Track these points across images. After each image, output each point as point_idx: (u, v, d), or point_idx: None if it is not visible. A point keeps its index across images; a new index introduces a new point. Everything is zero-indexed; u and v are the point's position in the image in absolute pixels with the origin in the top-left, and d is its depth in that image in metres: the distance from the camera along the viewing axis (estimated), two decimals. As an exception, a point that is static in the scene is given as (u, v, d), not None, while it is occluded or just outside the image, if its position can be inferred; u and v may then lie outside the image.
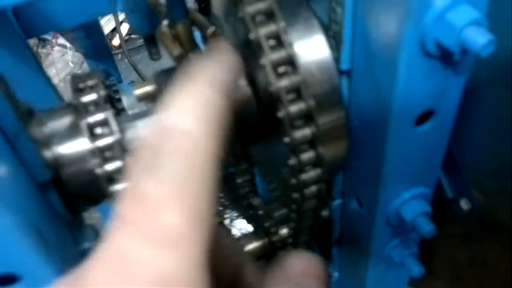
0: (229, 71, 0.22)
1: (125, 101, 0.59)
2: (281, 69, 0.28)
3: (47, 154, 0.30)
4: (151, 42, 0.41)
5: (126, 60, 1.13)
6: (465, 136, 0.35)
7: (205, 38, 0.34)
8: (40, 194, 0.28)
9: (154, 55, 0.42)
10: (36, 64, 0.41)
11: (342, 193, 0.43)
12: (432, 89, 0.29)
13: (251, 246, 0.54)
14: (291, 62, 0.28)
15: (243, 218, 0.80)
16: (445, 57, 0.26)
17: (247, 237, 0.55)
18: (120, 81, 0.63)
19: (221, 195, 0.84)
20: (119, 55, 1.37)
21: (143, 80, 1.04)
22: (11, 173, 0.24)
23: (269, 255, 0.54)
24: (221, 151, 0.19)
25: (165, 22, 0.33)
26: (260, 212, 0.52)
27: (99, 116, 0.30)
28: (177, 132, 0.18)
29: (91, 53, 0.67)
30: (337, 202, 0.44)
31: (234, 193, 0.63)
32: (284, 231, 0.46)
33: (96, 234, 0.35)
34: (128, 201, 0.17)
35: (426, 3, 0.24)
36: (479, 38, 0.23)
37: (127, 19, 0.36)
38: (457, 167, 0.38)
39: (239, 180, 0.56)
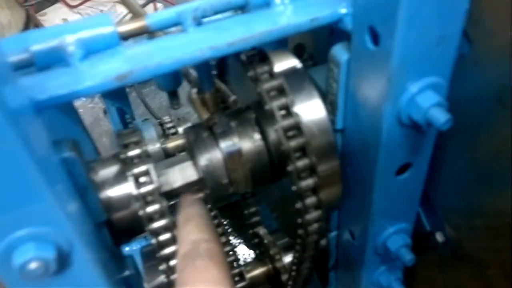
0: (200, 207, 0.41)
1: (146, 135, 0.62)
2: (290, 133, 0.36)
3: (102, 196, 0.37)
4: (173, 95, 0.48)
5: (133, 94, 1.19)
6: (437, 181, 0.43)
7: (227, 103, 0.42)
8: (98, 232, 0.35)
9: (175, 106, 0.49)
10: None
11: (337, 226, 0.51)
12: (407, 148, 0.36)
13: (257, 271, 0.60)
14: (297, 127, 0.36)
15: (245, 245, 0.87)
16: (415, 127, 0.34)
17: (252, 264, 0.62)
18: (134, 119, 0.70)
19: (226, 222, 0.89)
20: (127, 89, 1.45)
21: (151, 113, 1.11)
22: (83, 216, 0.31)
23: (272, 280, 0.60)
24: (218, 237, 0.38)
25: (194, 90, 0.41)
26: (266, 241, 0.59)
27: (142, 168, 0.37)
28: (203, 240, 0.36)
29: (108, 92, 0.74)
30: (333, 233, 0.51)
31: (240, 222, 0.70)
32: (288, 258, 0.52)
33: (134, 264, 0.41)
34: (190, 269, 0.34)
35: (401, 88, 0.32)
36: (440, 117, 0.31)
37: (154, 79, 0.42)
38: (432, 205, 0.45)
39: (246, 212, 0.63)
